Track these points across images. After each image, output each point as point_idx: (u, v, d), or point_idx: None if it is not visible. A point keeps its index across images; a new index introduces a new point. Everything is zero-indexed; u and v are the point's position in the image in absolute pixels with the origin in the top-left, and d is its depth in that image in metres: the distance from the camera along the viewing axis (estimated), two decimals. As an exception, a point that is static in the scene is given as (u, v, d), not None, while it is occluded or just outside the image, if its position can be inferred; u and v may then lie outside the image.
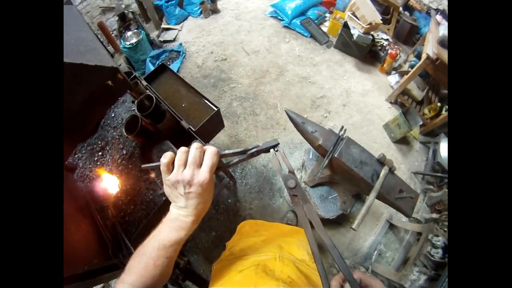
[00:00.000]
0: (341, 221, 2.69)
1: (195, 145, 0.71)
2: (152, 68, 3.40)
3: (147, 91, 1.94)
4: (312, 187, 2.34)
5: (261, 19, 4.34)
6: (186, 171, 0.69)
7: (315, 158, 2.48)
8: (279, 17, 4.29)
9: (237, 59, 3.78)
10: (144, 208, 1.78)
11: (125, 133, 1.83)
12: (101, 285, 2.78)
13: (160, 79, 2.20)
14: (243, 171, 2.90)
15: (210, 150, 0.71)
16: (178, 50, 3.86)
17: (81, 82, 0.92)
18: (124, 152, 1.99)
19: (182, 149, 0.71)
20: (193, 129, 1.77)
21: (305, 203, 0.78)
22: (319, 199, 2.32)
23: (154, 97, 1.76)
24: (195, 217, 0.73)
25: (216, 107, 1.94)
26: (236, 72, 3.66)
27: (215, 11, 4.46)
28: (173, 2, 4.36)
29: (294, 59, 3.82)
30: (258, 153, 0.80)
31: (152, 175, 1.81)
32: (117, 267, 1.59)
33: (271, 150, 0.81)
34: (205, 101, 2.02)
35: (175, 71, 2.22)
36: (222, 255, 1.29)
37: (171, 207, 0.76)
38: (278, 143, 0.81)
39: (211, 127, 1.99)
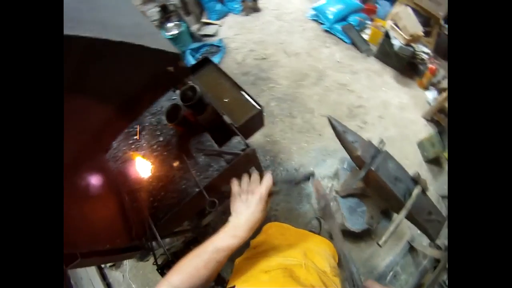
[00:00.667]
0: (363, 235, 2.57)
1: (256, 172, 0.96)
2: (192, 60, 3.39)
3: (190, 82, 1.91)
4: (343, 197, 2.26)
5: (302, 21, 4.27)
6: (251, 184, 0.93)
7: (349, 169, 2.42)
8: (320, 21, 4.20)
9: (277, 60, 3.73)
10: (175, 197, 1.73)
11: (165, 121, 1.83)
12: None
13: (203, 72, 2.18)
14: (274, 172, 2.83)
15: (267, 176, 0.93)
16: (218, 45, 3.84)
17: (141, 65, 0.88)
18: (161, 139, 1.96)
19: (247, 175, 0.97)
20: (235, 125, 1.74)
21: (330, 218, 1.02)
22: (348, 210, 2.24)
23: (198, 88, 1.71)
24: (249, 226, 0.86)
25: (260, 106, 1.90)
26: (276, 72, 3.61)
27: (255, 9, 4.42)
28: (214, -3, 4.35)
29: (334, 64, 3.73)
30: (300, 182, 0.96)
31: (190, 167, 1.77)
32: (137, 248, 1.61)
33: (310, 177, 1.00)
34: (248, 98, 1.97)
35: (216, 65, 2.20)
36: (245, 253, 1.34)
37: (230, 218, 0.90)
38: (314, 173, 1.10)
39: (251, 125, 1.96)
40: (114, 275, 2.89)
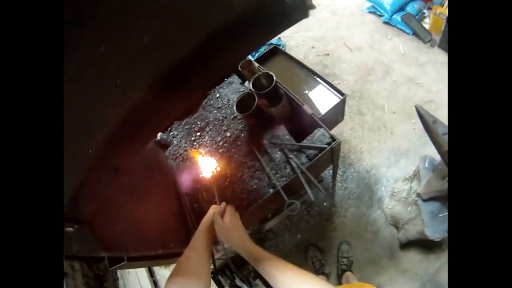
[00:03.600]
0: (432, 246, 2.16)
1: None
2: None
3: (264, 69, 1.70)
4: (424, 200, 1.95)
5: (359, 14, 3.88)
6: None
7: (431, 168, 2.05)
8: (378, 13, 3.76)
9: (340, 55, 3.42)
10: (244, 198, 1.52)
11: (232, 115, 1.70)
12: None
13: (272, 61, 1.98)
14: (344, 174, 2.54)
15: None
16: (278, 43, 3.57)
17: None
18: (228, 135, 1.77)
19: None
20: (316, 116, 1.52)
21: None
22: (429, 215, 1.93)
23: (273, 76, 1.47)
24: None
25: (342, 94, 1.64)
26: (340, 68, 3.29)
27: (310, 7, 4.11)
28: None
29: (399, 57, 3.30)
30: None
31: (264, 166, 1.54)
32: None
33: None
34: (328, 87, 1.72)
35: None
36: None
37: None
38: None
39: (333, 116, 1.73)
40: (162, 273, 2.73)
